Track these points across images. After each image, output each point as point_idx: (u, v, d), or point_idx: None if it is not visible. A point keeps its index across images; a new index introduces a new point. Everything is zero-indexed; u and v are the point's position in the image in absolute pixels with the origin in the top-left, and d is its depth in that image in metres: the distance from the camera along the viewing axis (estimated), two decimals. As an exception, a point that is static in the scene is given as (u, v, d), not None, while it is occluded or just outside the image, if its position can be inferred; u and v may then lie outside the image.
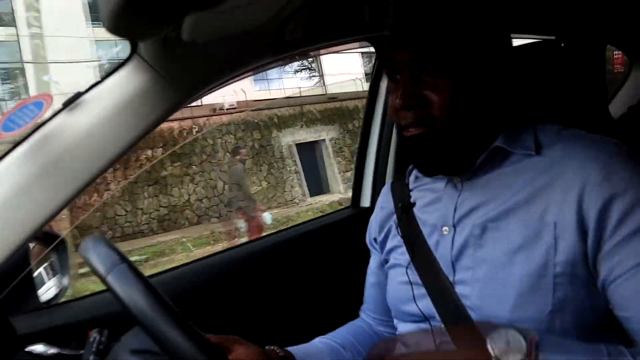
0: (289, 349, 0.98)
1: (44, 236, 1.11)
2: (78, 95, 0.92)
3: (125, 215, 11.18)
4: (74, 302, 1.13)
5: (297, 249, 1.46)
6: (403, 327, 0.95)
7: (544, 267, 0.74)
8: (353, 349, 1.04)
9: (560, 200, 0.74)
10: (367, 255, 1.13)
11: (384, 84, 1.48)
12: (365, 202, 1.61)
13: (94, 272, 0.64)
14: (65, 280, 1.21)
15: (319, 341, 1.05)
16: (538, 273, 0.74)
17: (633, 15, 1.75)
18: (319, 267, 1.46)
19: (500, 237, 0.79)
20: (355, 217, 1.59)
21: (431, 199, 0.91)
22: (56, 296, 1.18)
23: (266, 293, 1.36)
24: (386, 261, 1.01)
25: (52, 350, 0.87)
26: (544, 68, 1.02)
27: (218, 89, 1.07)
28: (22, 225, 0.86)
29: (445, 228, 0.86)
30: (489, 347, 0.63)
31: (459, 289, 0.82)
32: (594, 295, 0.75)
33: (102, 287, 0.67)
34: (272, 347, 0.96)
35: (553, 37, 1.64)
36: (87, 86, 0.93)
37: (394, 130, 1.48)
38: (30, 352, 0.86)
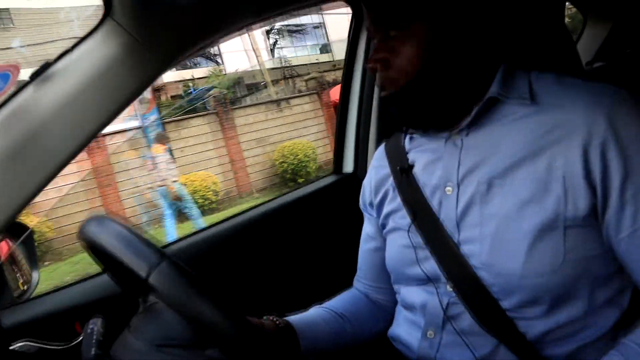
0: (287, 318, 0.96)
1: (10, 227, 1.03)
2: (47, 65, 0.84)
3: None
4: (54, 293, 1.06)
5: (283, 219, 1.43)
6: (406, 291, 0.93)
7: (554, 219, 0.74)
8: (352, 317, 1.02)
9: (565, 150, 0.74)
10: (354, 220, 1.11)
11: (361, 46, 1.44)
12: (348, 167, 1.59)
13: (117, 263, 0.58)
14: (35, 274, 1.14)
15: (316, 310, 1.03)
16: (549, 225, 0.74)
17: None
18: (306, 236, 1.44)
19: (508, 191, 0.78)
20: (338, 183, 1.56)
21: (431, 159, 0.89)
22: (27, 290, 1.10)
23: (256, 264, 1.33)
24: (384, 225, 0.99)
25: (38, 345, 0.82)
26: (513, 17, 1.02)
27: (198, 53, 1.01)
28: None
29: (449, 187, 0.84)
30: None
31: (466, 248, 0.81)
32: (603, 245, 0.75)
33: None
34: (270, 317, 0.93)
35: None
36: (56, 55, 0.85)
37: (375, 94, 1.46)
38: (14, 351, 0.80)
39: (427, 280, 0.86)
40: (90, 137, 0.86)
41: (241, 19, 0.99)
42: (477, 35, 0.80)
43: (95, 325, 0.70)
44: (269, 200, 1.46)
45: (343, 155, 1.59)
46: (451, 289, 0.83)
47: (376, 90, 1.45)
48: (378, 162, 1.03)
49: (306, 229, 1.44)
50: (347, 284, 1.13)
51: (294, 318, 0.97)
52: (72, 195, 7.08)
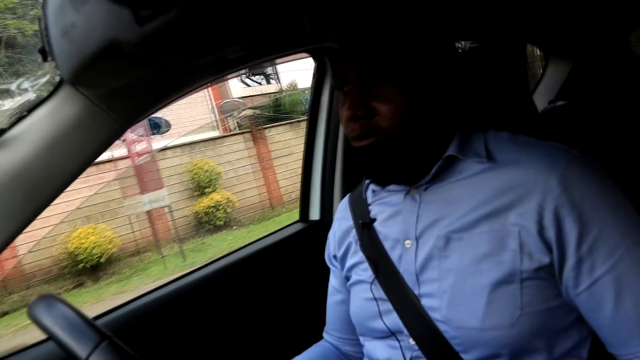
0: None
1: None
2: (1, 131, 0.83)
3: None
4: (21, 353, 1.03)
5: (252, 268, 1.41)
6: (370, 344, 0.93)
7: (511, 273, 0.75)
8: None
9: (521, 209, 0.76)
10: (322, 268, 1.11)
11: (325, 96, 1.46)
12: (315, 215, 1.59)
13: (67, 350, 0.57)
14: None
15: None
16: (506, 280, 0.75)
17: (547, 15, 1.85)
18: (275, 284, 1.42)
19: (466, 246, 0.79)
20: (305, 230, 1.56)
21: (391, 213, 0.91)
22: None
23: (223, 315, 1.31)
24: (347, 278, 0.99)
25: None
26: (475, 73, 1.06)
27: (160, 109, 1.01)
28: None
29: (408, 241, 0.85)
30: None
31: (426, 302, 0.82)
32: (559, 296, 0.77)
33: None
34: None
35: (475, 42, 1.70)
36: (9, 121, 0.85)
37: (340, 142, 1.47)
38: None
39: (390, 333, 0.86)
40: (49, 200, 0.85)
41: (200, 78, 1.01)
42: (441, 99, 0.83)
43: None
44: (235, 250, 1.45)
45: (309, 203, 1.59)
46: (413, 343, 0.83)
47: (341, 138, 1.47)
48: (342, 214, 1.04)
49: (275, 278, 1.43)
50: (317, 334, 1.13)
51: None
52: (245, 175, 9.48)
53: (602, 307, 0.74)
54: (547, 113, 2.10)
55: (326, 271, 1.10)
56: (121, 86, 0.88)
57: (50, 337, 0.57)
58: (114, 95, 0.88)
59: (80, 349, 0.54)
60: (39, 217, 0.85)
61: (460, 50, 1.10)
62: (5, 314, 6.18)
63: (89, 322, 0.57)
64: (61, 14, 0.54)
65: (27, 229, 0.84)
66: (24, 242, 6.56)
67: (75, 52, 0.56)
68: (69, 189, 0.88)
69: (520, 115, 1.11)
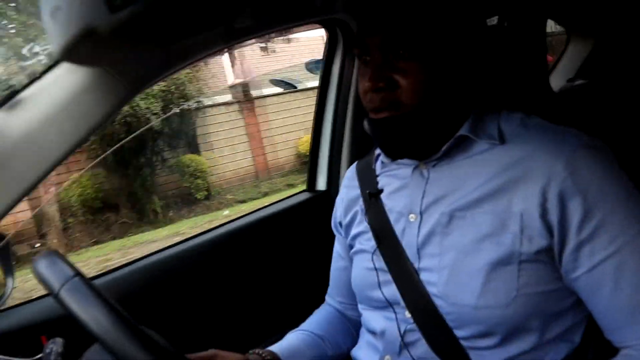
0: (271, 348, 0.98)
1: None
2: (13, 93, 0.86)
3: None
4: (23, 306, 1.08)
5: (257, 235, 1.44)
6: (368, 315, 0.96)
7: (510, 254, 0.76)
8: (331, 339, 1.05)
9: (525, 191, 0.76)
10: (326, 237, 1.13)
11: (336, 67, 1.47)
12: (321, 185, 1.61)
13: (46, 288, 0.61)
14: (10, 282, 1.16)
15: (296, 335, 1.05)
16: (504, 261, 0.77)
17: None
18: (279, 252, 1.45)
19: (468, 225, 0.80)
20: (311, 200, 1.58)
21: (398, 186, 0.92)
22: (2, 297, 1.13)
23: (229, 281, 1.35)
24: (351, 246, 1.01)
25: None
26: (493, 52, 1.04)
27: (169, 76, 1.03)
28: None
29: (412, 215, 0.87)
30: None
31: (424, 276, 0.84)
32: (557, 281, 0.78)
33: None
34: (255, 351, 0.96)
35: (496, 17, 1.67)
36: (23, 83, 0.88)
37: (349, 113, 1.48)
38: None
39: (387, 304, 0.89)
40: (58, 162, 0.89)
41: (210, 46, 1.02)
42: (462, 77, 0.83)
43: (54, 345, 0.73)
44: (242, 216, 1.48)
45: (316, 173, 1.61)
46: (409, 316, 0.85)
47: (350, 110, 1.48)
48: (349, 182, 1.05)
49: (279, 246, 1.46)
50: (320, 300, 1.16)
51: (277, 348, 0.99)
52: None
53: (600, 293, 0.75)
54: (565, 92, 2.08)
55: (330, 240, 1.12)
56: (130, 53, 0.91)
57: (40, 283, 0.61)
58: (122, 61, 0.90)
59: (53, 282, 0.58)
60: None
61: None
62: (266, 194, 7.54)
63: (65, 261, 0.61)
64: None
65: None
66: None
67: (61, 32, 0.59)
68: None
69: (535, 95, 1.10)
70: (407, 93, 0.79)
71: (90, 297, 0.57)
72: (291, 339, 1.04)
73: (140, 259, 1.27)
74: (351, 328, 1.09)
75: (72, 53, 0.70)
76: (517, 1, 1.72)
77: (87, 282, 0.59)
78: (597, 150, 0.77)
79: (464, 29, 0.83)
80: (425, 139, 0.84)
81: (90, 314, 0.57)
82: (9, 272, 1.17)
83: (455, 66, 0.81)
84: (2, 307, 1.06)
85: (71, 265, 0.61)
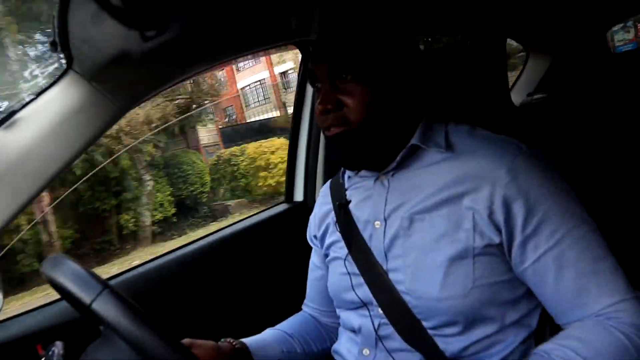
0: (243, 340, 1.04)
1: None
2: (12, 113, 0.92)
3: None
4: (16, 318, 1.12)
5: (239, 244, 1.50)
6: (345, 315, 1.03)
7: (465, 250, 0.85)
8: (301, 338, 1.12)
9: (475, 195, 0.85)
10: (303, 246, 1.19)
11: (309, 87, 1.55)
12: (298, 196, 1.69)
13: (71, 297, 0.65)
14: (0, 297, 1.19)
15: (269, 332, 1.12)
16: (460, 255, 0.85)
17: (528, 10, 1.92)
18: (260, 260, 1.52)
19: (426, 227, 0.89)
20: (290, 211, 1.66)
21: (363, 197, 1.00)
22: None
23: (209, 290, 1.40)
24: (326, 255, 1.09)
25: None
26: (453, 68, 1.14)
27: (154, 96, 1.10)
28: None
29: (377, 222, 0.95)
30: None
31: (392, 276, 0.92)
32: (509, 272, 0.87)
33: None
34: (226, 340, 1.02)
35: (459, 36, 1.78)
36: (21, 103, 0.93)
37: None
38: None
39: (362, 304, 0.96)
40: (53, 178, 0.94)
41: (192, 67, 1.09)
42: (405, 94, 0.92)
43: (56, 348, 0.77)
44: (222, 228, 1.54)
45: (294, 185, 1.69)
46: (382, 312, 0.93)
47: None
48: (323, 199, 1.14)
49: (260, 254, 1.52)
50: (297, 304, 1.22)
51: (248, 340, 1.05)
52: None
53: (546, 281, 0.84)
54: (525, 106, 2.19)
55: (307, 249, 1.19)
56: (120, 74, 0.97)
57: (59, 290, 0.66)
58: (113, 82, 0.96)
59: (85, 296, 0.63)
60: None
61: (438, 46, 1.19)
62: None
63: (92, 274, 0.66)
64: (84, 27, 0.64)
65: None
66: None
67: (93, 57, 0.66)
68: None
69: (497, 110, 1.19)
70: (353, 111, 0.89)
71: (122, 306, 0.62)
72: (263, 334, 1.11)
73: (126, 271, 1.32)
74: (323, 332, 1.16)
75: (99, 76, 0.75)
76: (478, 22, 1.84)
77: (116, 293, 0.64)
78: (535, 157, 0.87)
79: (400, 51, 0.92)
80: (378, 150, 0.93)
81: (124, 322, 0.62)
82: (-1, 286, 1.21)
83: (397, 85, 0.91)
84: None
85: (97, 278, 0.66)
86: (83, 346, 0.74)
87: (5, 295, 0.98)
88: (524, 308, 0.89)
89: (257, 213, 1.64)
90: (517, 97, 2.29)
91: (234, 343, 1.02)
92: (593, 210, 0.87)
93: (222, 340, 1.02)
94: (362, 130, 0.89)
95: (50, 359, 0.75)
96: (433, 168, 0.91)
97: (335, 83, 0.90)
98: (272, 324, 1.16)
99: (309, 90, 1.55)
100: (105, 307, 0.62)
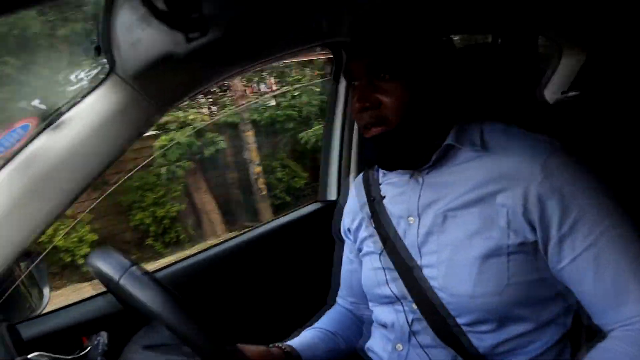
0: (289, 343, 1.07)
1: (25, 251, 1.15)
2: (59, 114, 0.96)
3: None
4: (62, 310, 1.17)
5: (271, 245, 1.53)
6: (378, 310, 1.05)
7: (499, 247, 0.86)
8: (343, 334, 1.15)
9: (510, 192, 0.86)
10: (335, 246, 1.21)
11: (342, 86, 1.57)
12: (332, 195, 1.71)
13: (105, 279, 0.69)
14: (47, 291, 1.25)
15: (311, 332, 1.14)
16: (493, 252, 0.86)
17: (561, 6, 1.90)
18: (292, 260, 1.54)
19: (460, 223, 0.90)
20: (322, 210, 1.68)
21: (397, 192, 1.02)
22: (39, 306, 1.21)
23: (244, 289, 1.43)
24: (359, 250, 1.11)
25: (49, 355, 0.92)
26: (484, 67, 1.14)
27: (191, 98, 1.13)
28: (13, 242, 0.90)
29: (411, 218, 0.96)
30: None
31: (426, 272, 0.93)
32: (544, 271, 0.87)
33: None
34: (275, 345, 1.05)
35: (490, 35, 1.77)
36: (67, 106, 0.98)
37: (355, 130, 1.58)
38: None
39: (395, 299, 0.98)
40: (95, 177, 0.98)
41: (227, 70, 1.12)
42: (442, 93, 0.93)
43: (101, 337, 0.82)
44: (256, 227, 1.57)
45: (327, 184, 1.71)
46: (415, 307, 0.94)
47: (356, 127, 1.57)
48: (356, 192, 1.15)
49: (292, 252, 1.54)
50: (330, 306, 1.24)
51: (295, 343, 1.08)
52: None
53: (583, 281, 0.83)
54: (558, 104, 2.15)
55: (340, 247, 1.21)
56: (159, 77, 1.01)
57: (94, 272, 0.70)
58: (153, 84, 1.00)
59: (114, 273, 0.66)
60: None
61: (472, 44, 1.19)
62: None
63: (122, 255, 0.70)
64: (131, 30, 0.68)
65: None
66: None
67: (139, 59, 0.69)
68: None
69: (529, 108, 1.18)
70: (391, 110, 0.89)
71: (148, 283, 0.65)
72: (306, 335, 1.13)
73: (161, 269, 1.36)
74: (360, 325, 1.18)
75: (139, 79, 0.79)
76: (509, 20, 1.82)
77: (144, 270, 0.68)
78: (569, 155, 0.87)
79: (438, 50, 0.93)
80: (414, 151, 0.93)
81: (150, 296, 0.65)
82: (45, 282, 1.27)
83: (433, 84, 0.91)
84: (43, 312, 1.15)
85: (126, 257, 0.70)
86: (127, 337, 0.78)
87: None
88: (558, 307, 0.89)
89: (290, 212, 1.66)
90: (550, 95, 2.26)
91: (283, 347, 1.05)
92: (631, 210, 0.86)
93: (271, 345, 1.04)
94: (400, 130, 0.90)
95: (96, 348, 0.80)
96: (467, 166, 0.92)
97: (372, 81, 0.91)
98: (303, 318, 1.19)
99: (342, 91, 1.57)
100: (133, 282, 0.65)
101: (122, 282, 0.66)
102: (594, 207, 0.83)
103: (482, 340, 0.89)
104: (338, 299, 1.24)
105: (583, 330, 0.90)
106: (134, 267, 0.67)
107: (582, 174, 0.85)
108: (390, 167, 0.98)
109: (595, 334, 0.85)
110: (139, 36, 0.67)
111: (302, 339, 1.11)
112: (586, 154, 0.89)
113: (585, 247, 0.82)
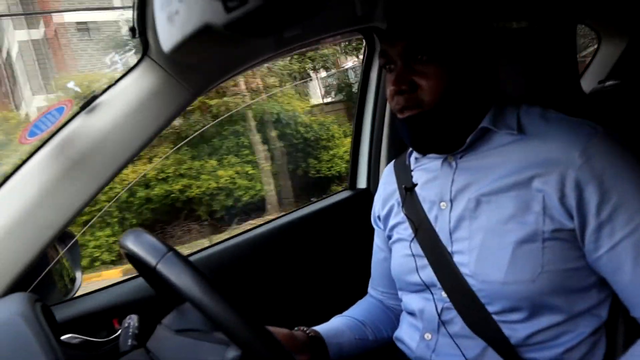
0: (315, 328, 1.06)
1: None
2: (94, 97, 0.97)
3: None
4: (93, 293, 1.18)
5: (301, 232, 1.52)
6: (408, 298, 1.03)
7: (534, 233, 0.83)
8: (372, 324, 1.13)
9: (546, 177, 0.83)
10: (367, 232, 1.20)
11: (374, 73, 1.55)
12: (362, 183, 1.69)
13: (140, 262, 0.68)
14: (79, 275, 1.27)
15: (340, 319, 1.13)
16: (528, 239, 0.83)
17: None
18: (322, 248, 1.53)
19: (493, 208, 0.87)
20: (353, 198, 1.66)
21: (430, 178, 0.99)
22: (72, 289, 1.23)
23: (274, 275, 1.42)
24: (389, 237, 1.09)
25: (82, 338, 0.93)
26: (521, 52, 1.10)
27: (224, 82, 1.13)
28: (48, 225, 0.91)
29: (443, 203, 0.94)
30: None
31: (457, 258, 0.91)
32: (579, 259, 0.84)
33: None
34: (299, 328, 1.04)
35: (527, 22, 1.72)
36: (102, 89, 0.98)
37: (386, 117, 1.56)
38: (63, 342, 0.92)
39: (425, 287, 0.96)
40: (129, 160, 0.99)
41: (260, 54, 1.11)
42: (479, 76, 0.90)
43: (132, 320, 0.82)
44: (287, 213, 1.57)
45: (357, 172, 1.69)
46: (445, 295, 0.92)
47: (387, 113, 1.55)
48: (387, 179, 1.13)
49: (322, 241, 1.53)
50: (361, 290, 1.23)
51: (321, 328, 1.07)
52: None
53: (621, 270, 0.80)
54: (595, 93, 2.10)
55: (370, 235, 1.19)
56: (193, 60, 1.00)
57: (130, 258, 0.69)
58: (186, 68, 1.00)
59: (151, 259, 0.66)
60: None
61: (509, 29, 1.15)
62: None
63: (157, 239, 0.69)
64: (168, 2, 0.66)
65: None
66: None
67: (177, 33, 0.68)
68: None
69: (566, 97, 1.15)
70: (427, 93, 0.87)
71: (185, 268, 0.65)
72: (334, 322, 1.12)
73: (193, 254, 1.36)
74: (392, 316, 1.16)
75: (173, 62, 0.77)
76: (548, 7, 1.77)
77: (180, 255, 0.67)
78: (611, 140, 0.83)
79: (475, 33, 0.90)
80: (449, 133, 0.91)
81: (187, 282, 0.64)
82: (78, 266, 1.28)
83: (471, 66, 0.89)
84: (76, 295, 1.17)
85: (163, 242, 0.70)
86: (157, 321, 0.78)
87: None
88: (593, 298, 0.86)
89: (321, 199, 1.65)
90: (587, 84, 2.20)
91: (307, 331, 1.04)
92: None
93: (296, 328, 1.04)
94: (436, 112, 0.88)
95: (127, 331, 0.80)
96: (502, 150, 0.89)
97: (409, 64, 0.89)
98: (337, 310, 1.17)
99: (373, 77, 1.55)
100: (170, 268, 0.64)
101: (159, 267, 0.65)
102: (635, 194, 0.79)
103: (513, 330, 0.86)
104: (369, 289, 1.23)
105: (621, 322, 0.88)
106: (170, 253, 0.66)
107: (624, 161, 0.82)
108: (424, 150, 0.96)
109: (635, 328, 0.82)
110: (176, 7, 0.66)
111: (329, 325, 1.10)
112: (626, 144, 0.85)
113: (624, 235, 0.79)
